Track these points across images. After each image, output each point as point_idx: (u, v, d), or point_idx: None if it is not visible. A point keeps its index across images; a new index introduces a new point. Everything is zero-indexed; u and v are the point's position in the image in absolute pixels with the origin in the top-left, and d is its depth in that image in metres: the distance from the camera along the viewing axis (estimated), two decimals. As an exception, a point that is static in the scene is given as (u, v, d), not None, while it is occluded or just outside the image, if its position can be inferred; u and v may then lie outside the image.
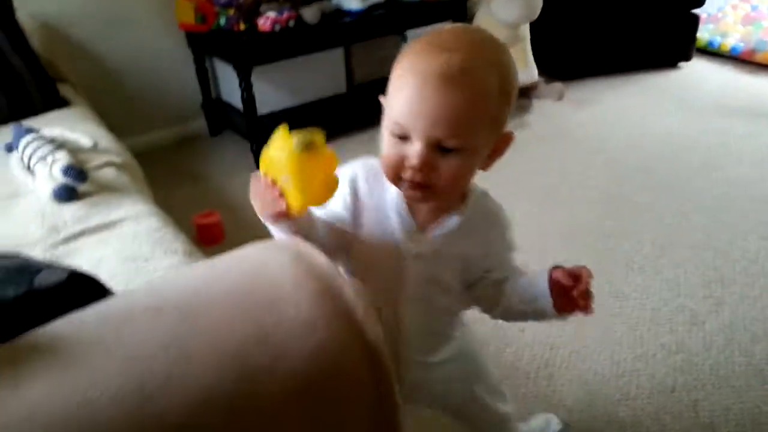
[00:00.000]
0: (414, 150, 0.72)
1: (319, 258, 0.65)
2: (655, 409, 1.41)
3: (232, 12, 2.40)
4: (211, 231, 2.03)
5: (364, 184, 0.83)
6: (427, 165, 0.72)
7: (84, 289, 0.70)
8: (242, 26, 2.39)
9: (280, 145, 0.69)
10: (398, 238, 0.82)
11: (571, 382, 1.49)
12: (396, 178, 0.76)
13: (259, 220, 0.77)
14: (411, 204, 0.82)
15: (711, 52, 3.54)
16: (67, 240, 1.27)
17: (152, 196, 1.63)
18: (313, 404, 0.59)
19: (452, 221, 0.82)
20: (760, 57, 3.30)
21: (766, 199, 2.17)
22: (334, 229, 0.83)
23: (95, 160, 1.56)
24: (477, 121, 0.72)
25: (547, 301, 0.79)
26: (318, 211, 0.82)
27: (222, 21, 2.41)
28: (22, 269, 0.65)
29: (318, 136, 0.69)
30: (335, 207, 0.83)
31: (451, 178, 0.74)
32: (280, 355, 0.58)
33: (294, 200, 0.70)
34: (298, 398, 0.58)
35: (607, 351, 1.57)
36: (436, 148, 0.72)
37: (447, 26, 0.79)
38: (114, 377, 0.53)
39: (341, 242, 0.84)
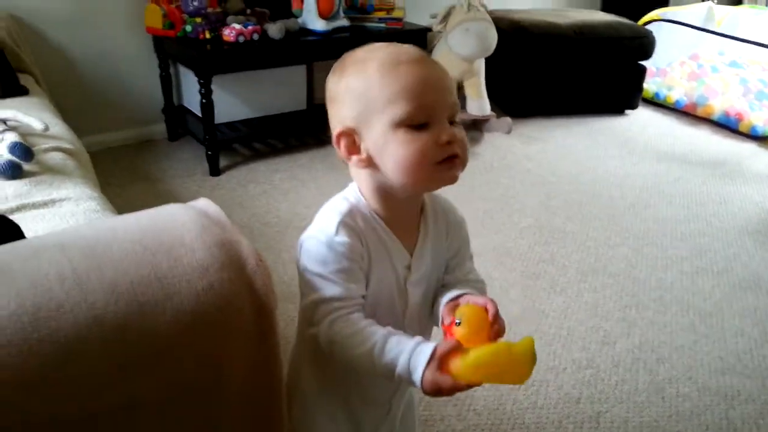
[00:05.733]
0: (443, 128, 0.72)
1: (221, 216, 0.72)
2: (559, 418, 1.49)
3: (199, 20, 2.48)
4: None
5: (363, 230, 0.78)
6: (458, 136, 0.74)
7: (6, 231, 0.76)
8: (207, 35, 2.48)
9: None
10: (398, 268, 0.81)
11: (483, 388, 1.56)
12: (430, 170, 0.73)
13: None
14: (393, 231, 0.80)
15: (657, 103, 3.75)
16: (5, 213, 1.30)
17: (99, 185, 1.67)
18: (201, 337, 0.66)
19: (426, 233, 0.83)
20: (700, 111, 3.52)
21: (688, 238, 2.32)
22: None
23: (45, 143, 1.60)
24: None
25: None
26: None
27: (188, 28, 2.49)
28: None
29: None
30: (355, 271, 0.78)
31: (466, 147, 0.75)
32: (171, 293, 0.64)
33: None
34: (186, 330, 0.65)
35: (521, 362, 1.65)
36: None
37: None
38: (13, 300, 0.60)
39: None
